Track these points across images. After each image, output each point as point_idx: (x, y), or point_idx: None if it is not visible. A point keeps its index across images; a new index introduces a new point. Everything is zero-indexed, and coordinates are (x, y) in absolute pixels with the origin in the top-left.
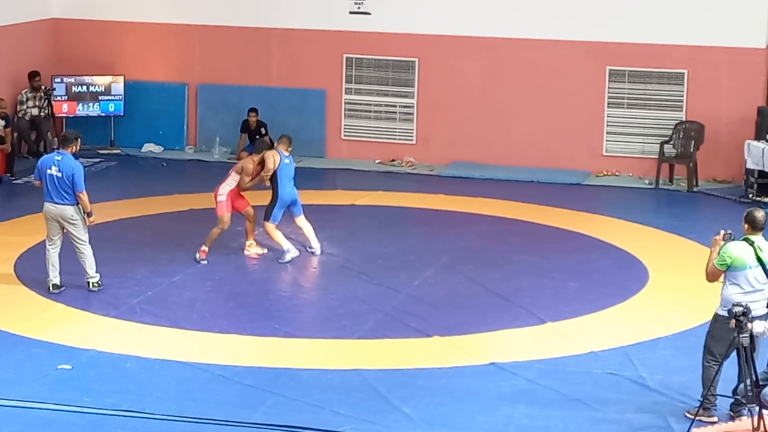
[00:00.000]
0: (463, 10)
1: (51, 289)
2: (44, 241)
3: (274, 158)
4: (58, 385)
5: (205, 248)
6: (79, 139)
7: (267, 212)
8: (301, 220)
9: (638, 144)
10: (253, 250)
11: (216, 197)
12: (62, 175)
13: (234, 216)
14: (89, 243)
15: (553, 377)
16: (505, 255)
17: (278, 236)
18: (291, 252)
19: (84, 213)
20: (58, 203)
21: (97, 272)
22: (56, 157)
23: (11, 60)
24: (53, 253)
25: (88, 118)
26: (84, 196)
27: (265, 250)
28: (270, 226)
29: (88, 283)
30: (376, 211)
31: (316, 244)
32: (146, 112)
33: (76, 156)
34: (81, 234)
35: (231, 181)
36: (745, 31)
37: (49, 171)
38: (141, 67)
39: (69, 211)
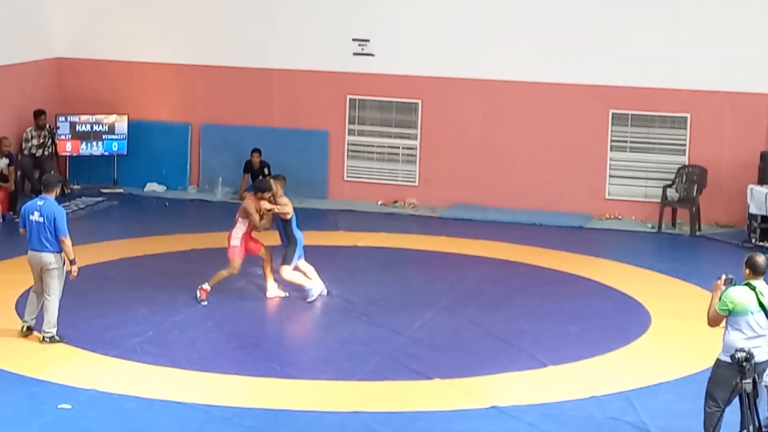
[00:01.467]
0: (466, 53)
1: (23, 330)
2: None
3: (290, 202)
4: (58, 424)
5: (207, 287)
6: (61, 183)
7: (287, 257)
8: (303, 263)
9: (641, 188)
10: (274, 292)
11: (229, 241)
12: (44, 220)
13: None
14: (59, 297)
15: (555, 421)
16: (506, 297)
17: (297, 277)
18: (315, 288)
19: (67, 260)
20: (38, 250)
21: (53, 328)
22: (38, 202)
23: (16, 98)
24: (36, 298)
25: (92, 157)
26: (67, 241)
27: (287, 293)
28: (287, 270)
29: (42, 336)
30: (378, 252)
31: (321, 285)
32: (149, 152)
33: (59, 200)
34: (55, 285)
35: (241, 226)
36: (747, 76)
37: (31, 217)
38: (144, 107)
39: (48, 257)
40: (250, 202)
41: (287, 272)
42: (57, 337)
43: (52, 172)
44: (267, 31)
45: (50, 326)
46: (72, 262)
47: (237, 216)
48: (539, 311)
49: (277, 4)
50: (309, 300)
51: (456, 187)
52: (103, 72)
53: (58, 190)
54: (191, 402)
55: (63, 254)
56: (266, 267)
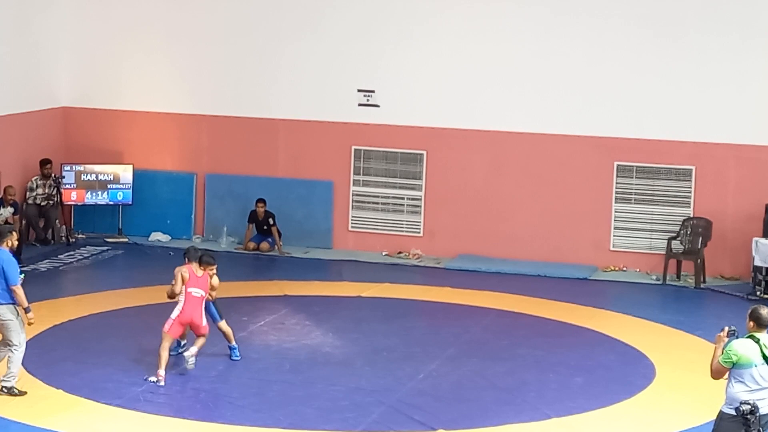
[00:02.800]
0: (471, 104)
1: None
2: (48, 329)
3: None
4: None
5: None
6: (14, 233)
7: (220, 312)
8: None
9: (646, 239)
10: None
11: (204, 322)
12: None
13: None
14: (23, 348)
15: None
16: (510, 349)
17: (231, 331)
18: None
19: (22, 310)
20: None
21: (14, 378)
22: None
23: (22, 148)
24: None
25: (97, 207)
26: (19, 291)
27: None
28: (225, 322)
29: (1, 387)
30: (382, 303)
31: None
32: (154, 201)
33: (13, 252)
34: (14, 337)
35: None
36: (753, 128)
37: None
38: (149, 156)
39: (1, 310)
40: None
41: (225, 325)
42: (16, 390)
43: (57, 221)
44: (272, 81)
45: (11, 376)
46: (27, 311)
47: (202, 294)
48: (543, 362)
49: (282, 54)
50: (234, 358)
51: (460, 237)
52: (109, 122)
53: (10, 242)
54: None
55: (17, 305)
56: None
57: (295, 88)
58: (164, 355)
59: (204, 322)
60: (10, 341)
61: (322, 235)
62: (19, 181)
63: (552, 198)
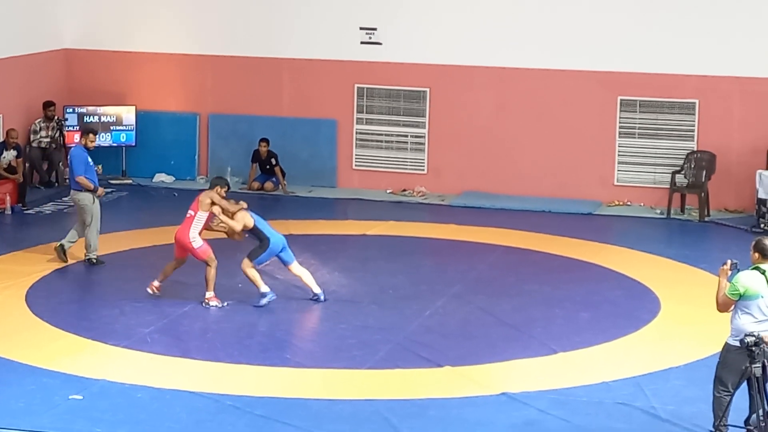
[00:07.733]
0: (474, 41)
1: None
2: (54, 271)
3: (245, 219)
4: (69, 415)
5: (211, 294)
6: (90, 134)
7: (253, 253)
8: (296, 267)
9: (650, 174)
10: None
11: (190, 243)
12: (69, 164)
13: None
14: (97, 223)
15: (565, 407)
16: (516, 285)
17: (255, 275)
18: (269, 296)
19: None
20: (72, 189)
21: (95, 250)
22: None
23: (24, 90)
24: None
25: (100, 149)
26: (81, 180)
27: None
28: (248, 264)
29: (89, 259)
30: (388, 241)
31: (318, 290)
32: (158, 142)
33: (87, 148)
34: (87, 218)
35: (198, 224)
36: (756, 61)
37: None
38: (152, 98)
39: (76, 196)
40: (219, 199)
41: (246, 266)
42: (100, 259)
43: (60, 163)
44: (275, 20)
45: (93, 250)
46: (95, 190)
47: (197, 211)
48: (549, 298)
49: None
50: (256, 305)
51: (465, 174)
52: (112, 63)
53: (85, 139)
54: (202, 391)
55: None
56: (168, 267)
57: (298, 27)
58: (165, 269)
59: (196, 244)
60: (85, 220)
61: (326, 174)
62: (21, 124)
63: (556, 133)
